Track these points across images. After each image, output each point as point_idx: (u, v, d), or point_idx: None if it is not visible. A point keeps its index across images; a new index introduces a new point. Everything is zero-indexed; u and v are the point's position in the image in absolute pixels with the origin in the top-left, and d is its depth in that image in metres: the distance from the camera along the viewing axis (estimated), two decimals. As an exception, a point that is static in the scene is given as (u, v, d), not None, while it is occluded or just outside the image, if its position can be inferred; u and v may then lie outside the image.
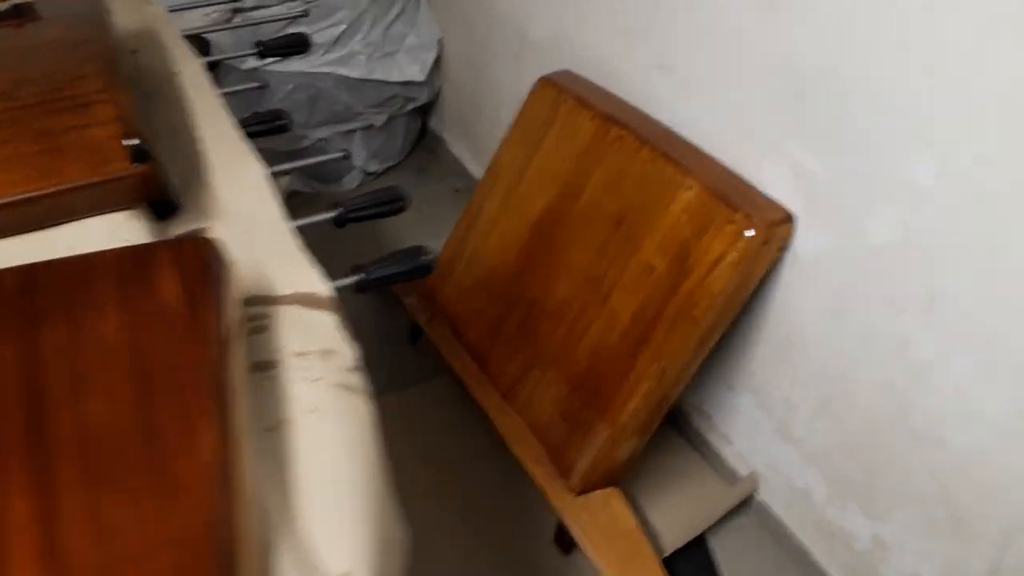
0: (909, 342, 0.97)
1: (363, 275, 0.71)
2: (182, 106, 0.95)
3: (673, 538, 1.30)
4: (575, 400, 1.24)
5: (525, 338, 1.34)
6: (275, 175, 1.65)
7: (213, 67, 1.49)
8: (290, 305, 0.72)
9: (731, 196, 1.09)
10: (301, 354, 0.67)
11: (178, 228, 0.79)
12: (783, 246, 1.10)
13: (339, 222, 0.80)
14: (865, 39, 0.90)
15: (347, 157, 1.00)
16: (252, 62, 1.75)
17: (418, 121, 2.15)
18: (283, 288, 0.73)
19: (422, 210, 2.05)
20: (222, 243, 0.65)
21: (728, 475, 1.41)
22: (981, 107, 0.80)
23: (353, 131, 1.97)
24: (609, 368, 1.20)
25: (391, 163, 2.11)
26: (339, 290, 0.84)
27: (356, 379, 0.67)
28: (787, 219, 1.08)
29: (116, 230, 0.71)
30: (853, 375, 1.08)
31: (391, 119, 2.00)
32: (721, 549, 1.34)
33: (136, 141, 0.69)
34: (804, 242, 1.08)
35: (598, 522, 1.24)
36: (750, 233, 1.06)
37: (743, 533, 1.36)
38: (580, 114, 1.29)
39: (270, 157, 1.97)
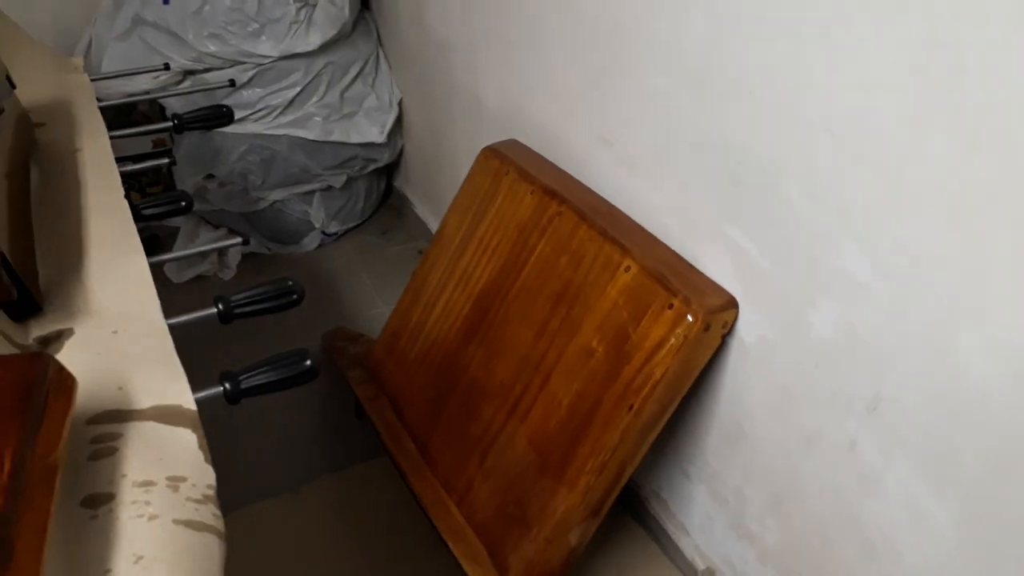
0: (855, 445, 0.89)
1: (228, 386, 0.64)
2: (76, 189, 0.89)
3: (623, 640, 1.21)
4: (513, 494, 1.16)
5: (466, 420, 1.26)
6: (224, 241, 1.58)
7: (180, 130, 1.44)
8: (146, 421, 0.65)
9: (670, 279, 1.02)
10: (145, 484, 0.60)
11: (37, 329, 0.72)
12: (727, 333, 1.03)
13: (224, 318, 0.74)
14: (795, 127, 0.85)
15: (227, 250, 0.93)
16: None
17: (382, 182, 2.11)
18: (142, 401, 0.66)
19: (383, 272, 2.00)
20: (54, 359, 0.58)
21: (686, 567, 1.31)
22: (913, 201, 0.74)
23: (312, 192, 1.92)
24: (548, 459, 1.12)
25: (352, 224, 2.06)
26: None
27: (207, 511, 0.60)
28: (730, 304, 1.01)
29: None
30: (801, 474, 1.00)
31: (351, 180, 1.95)
32: (676, 652, 1.24)
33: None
34: (749, 330, 1.01)
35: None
36: (689, 318, 0.99)
37: (699, 635, 1.26)
38: (522, 187, 1.24)
39: (224, 219, 1.93)
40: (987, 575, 0.78)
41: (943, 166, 0.71)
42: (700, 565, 1.28)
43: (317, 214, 1.96)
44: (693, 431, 1.19)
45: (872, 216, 0.79)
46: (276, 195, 1.87)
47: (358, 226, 2.09)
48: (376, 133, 1.87)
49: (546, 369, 1.15)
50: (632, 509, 1.40)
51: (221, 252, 1.88)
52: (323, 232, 2.01)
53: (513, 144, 1.35)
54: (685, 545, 1.31)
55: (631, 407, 1.04)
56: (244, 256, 1.94)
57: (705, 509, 1.23)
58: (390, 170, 2.12)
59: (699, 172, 1.01)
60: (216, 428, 0.67)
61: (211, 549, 0.57)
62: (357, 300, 1.89)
